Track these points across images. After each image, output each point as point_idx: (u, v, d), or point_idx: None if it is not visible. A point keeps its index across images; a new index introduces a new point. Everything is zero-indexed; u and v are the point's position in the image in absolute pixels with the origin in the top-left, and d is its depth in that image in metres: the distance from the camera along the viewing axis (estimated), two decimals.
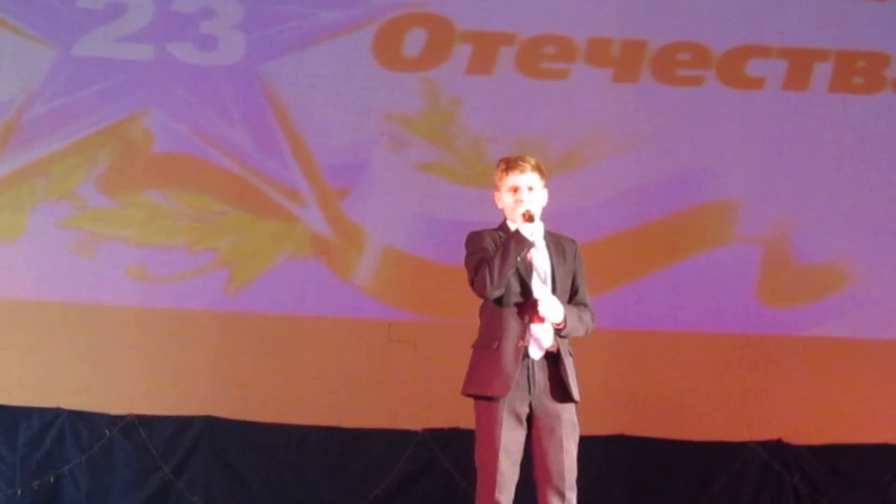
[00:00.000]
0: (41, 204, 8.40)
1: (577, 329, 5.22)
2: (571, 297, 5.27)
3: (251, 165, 8.43)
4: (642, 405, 8.31)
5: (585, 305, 5.30)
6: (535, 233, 5.14)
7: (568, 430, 5.16)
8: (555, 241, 5.29)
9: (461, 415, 7.70)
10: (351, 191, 8.42)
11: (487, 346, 5.17)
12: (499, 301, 5.17)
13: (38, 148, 8.41)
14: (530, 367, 5.15)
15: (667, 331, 8.36)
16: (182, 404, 8.25)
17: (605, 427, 8.16)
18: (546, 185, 5.24)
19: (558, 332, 5.16)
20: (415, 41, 8.49)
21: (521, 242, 5.09)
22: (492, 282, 5.07)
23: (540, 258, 5.23)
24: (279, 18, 8.49)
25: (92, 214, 8.40)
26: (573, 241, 5.33)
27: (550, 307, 5.11)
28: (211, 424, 8.25)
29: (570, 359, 5.23)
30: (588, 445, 7.77)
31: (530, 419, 5.18)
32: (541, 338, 5.17)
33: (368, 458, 8.25)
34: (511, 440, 5.13)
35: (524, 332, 5.14)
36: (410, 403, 8.17)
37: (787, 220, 8.47)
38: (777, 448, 8.26)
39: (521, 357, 5.12)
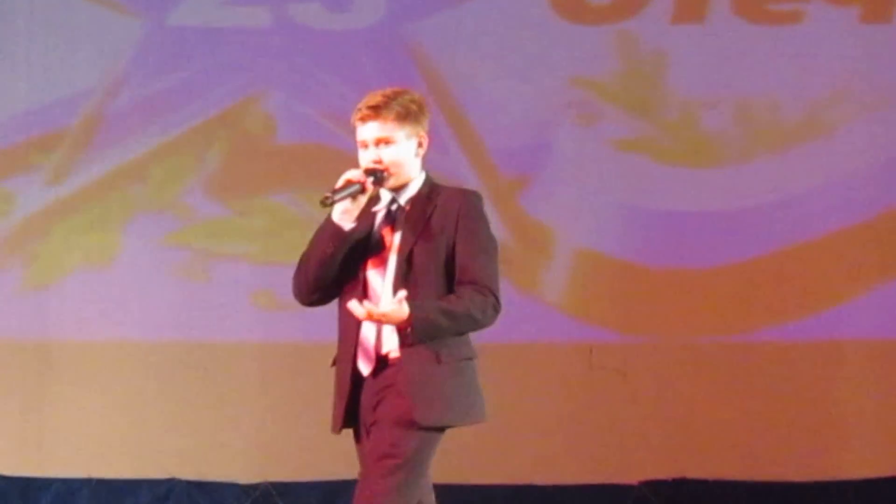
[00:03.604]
0: (138, 217, 7.75)
1: (447, 328, 4.16)
2: (455, 275, 4.25)
3: None
4: None
5: (474, 284, 4.19)
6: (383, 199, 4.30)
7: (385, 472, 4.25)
8: (426, 202, 4.31)
9: (687, 461, 7.27)
10: (532, 181, 7.72)
11: (335, 362, 4.40)
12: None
13: (129, 147, 7.76)
14: (358, 387, 4.31)
15: None
16: (330, 466, 7.38)
17: (879, 467, 7.29)
18: (421, 128, 4.36)
19: (404, 338, 4.16)
20: None
21: (326, 235, 4.28)
22: (297, 286, 4.43)
23: (385, 231, 4.32)
24: None
25: (203, 228, 7.78)
26: (462, 196, 4.31)
27: (383, 312, 4.08)
28: None
29: (446, 367, 4.23)
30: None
31: None
32: (370, 346, 4.27)
33: None
34: None
35: (356, 340, 4.29)
36: (621, 449, 7.55)
37: None
38: None
39: (351, 375, 4.30)
